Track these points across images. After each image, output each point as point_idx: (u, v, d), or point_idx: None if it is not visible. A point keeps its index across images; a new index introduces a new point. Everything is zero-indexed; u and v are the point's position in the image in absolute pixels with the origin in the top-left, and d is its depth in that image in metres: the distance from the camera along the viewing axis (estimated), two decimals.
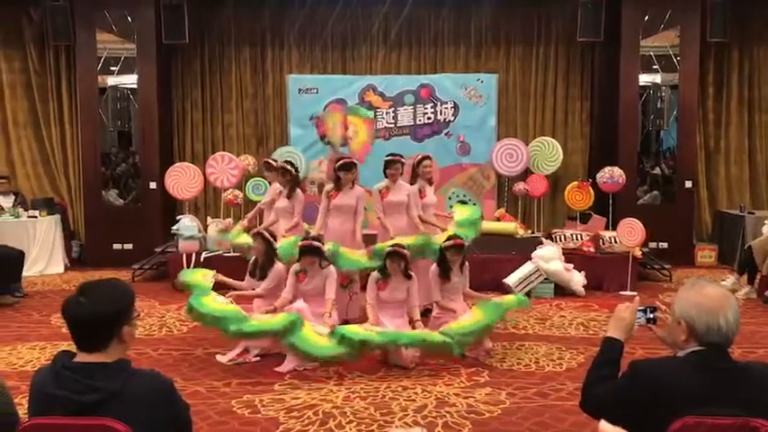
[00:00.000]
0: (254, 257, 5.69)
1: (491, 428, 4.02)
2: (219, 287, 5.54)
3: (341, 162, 6.16)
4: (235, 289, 5.61)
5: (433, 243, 5.87)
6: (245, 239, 6.16)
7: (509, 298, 5.72)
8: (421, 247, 5.88)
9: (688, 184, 9.44)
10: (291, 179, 6.31)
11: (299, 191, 6.38)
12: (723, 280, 7.68)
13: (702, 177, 10.04)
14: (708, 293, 2.14)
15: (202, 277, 5.54)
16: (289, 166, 6.39)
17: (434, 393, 4.55)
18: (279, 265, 5.54)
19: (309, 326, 5.04)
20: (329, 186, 6.24)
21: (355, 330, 4.97)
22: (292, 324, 4.93)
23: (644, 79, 9.50)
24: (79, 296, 2.09)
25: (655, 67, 9.52)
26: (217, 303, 5.18)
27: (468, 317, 5.26)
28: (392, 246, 5.39)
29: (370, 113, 7.44)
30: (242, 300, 5.44)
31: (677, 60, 9.36)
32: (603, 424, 0.66)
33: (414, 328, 5.31)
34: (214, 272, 5.62)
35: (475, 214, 6.59)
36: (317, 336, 4.97)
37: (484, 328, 5.17)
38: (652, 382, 2.08)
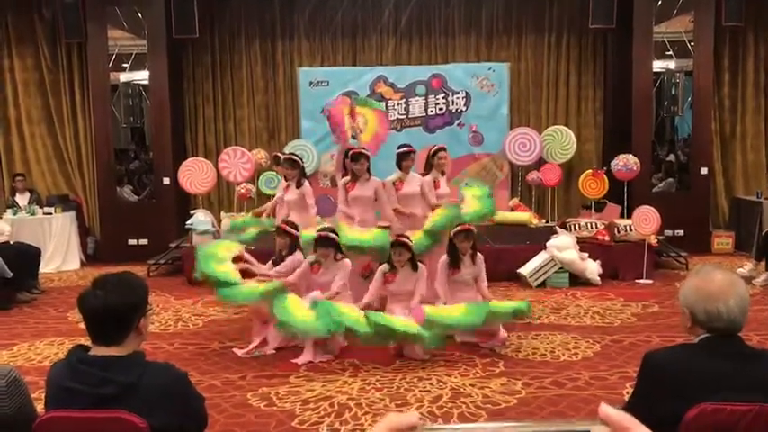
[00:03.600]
0: (278, 250, 5.62)
1: (507, 418, 4.00)
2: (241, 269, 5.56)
3: (351, 153, 6.14)
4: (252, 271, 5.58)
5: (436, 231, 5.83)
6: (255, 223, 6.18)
7: (505, 305, 5.46)
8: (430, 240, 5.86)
9: (703, 170, 9.34)
10: (298, 170, 6.26)
11: (306, 181, 6.33)
12: (740, 267, 7.61)
13: (718, 164, 9.94)
14: (710, 279, 2.11)
15: (226, 251, 5.51)
16: (295, 157, 6.36)
17: (450, 384, 4.54)
18: (299, 254, 5.53)
19: (296, 299, 5.08)
20: (346, 178, 6.21)
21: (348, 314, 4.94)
22: (277, 291, 4.99)
23: (658, 66, 9.39)
24: (95, 289, 2.10)
25: (668, 53, 9.41)
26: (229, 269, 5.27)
27: (452, 308, 5.21)
28: (396, 237, 5.39)
29: (380, 104, 7.36)
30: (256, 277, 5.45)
31: (691, 46, 9.25)
32: (604, 406, 0.65)
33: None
34: (242, 248, 5.62)
35: (483, 194, 6.50)
36: (300, 309, 4.98)
37: (458, 326, 5.11)
38: (665, 371, 2.06)
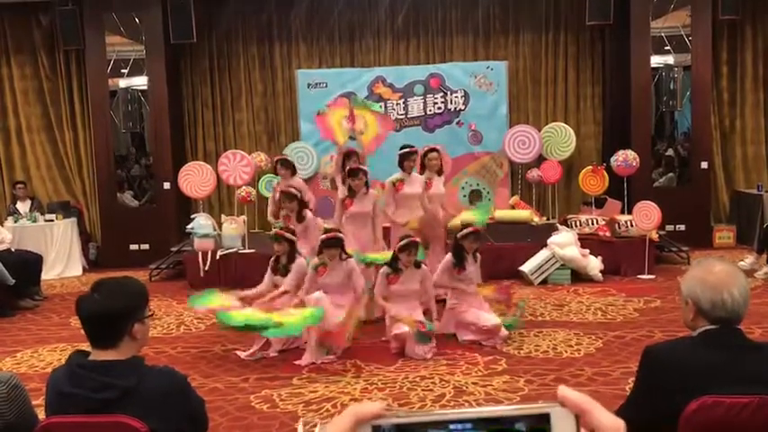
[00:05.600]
0: (275, 255, 5.61)
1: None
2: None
3: (347, 168, 6.11)
4: (255, 299, 5.49)
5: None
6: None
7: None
8: None
9: (704, 164, 9.33)
10: (296, 202, 6.01)
11: (308, 212, 6.12)
12: (742, 260, 7.59)
13: (718, 158, 9.92)
14: (712, 270, 2.11)
15: (221, 301, 5.42)
16: (292, 190, 6.13)
17: (452, 382, 4.54)
18: (300, 260, 5.54)
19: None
20: (343, 193, 6.11)
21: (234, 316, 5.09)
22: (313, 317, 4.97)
23: (656, 61, 9.38)
24: (92, 293, 2.12)
25: (666, 48, 9.40)
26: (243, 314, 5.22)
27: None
28: (406, 237, 5.39)
29: (377, 106, 7.32)
30: (268, 304, 5.40)
31: (689, 40, 9.24)
32: (562, 388, 0.66)
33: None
34: (233, 298, 5.49)
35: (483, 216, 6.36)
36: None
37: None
38: (665, 365, 2.06)
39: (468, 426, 0.64)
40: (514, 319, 5.55)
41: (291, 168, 6.86)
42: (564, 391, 0.65)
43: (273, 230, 5.68)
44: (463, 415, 0.64)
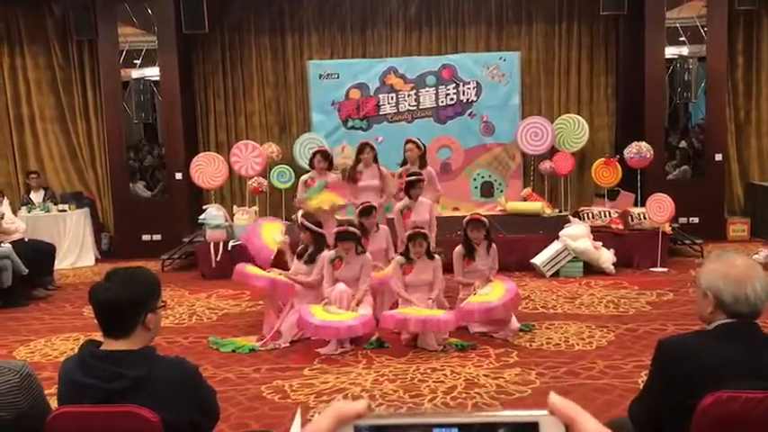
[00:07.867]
0: (303, 244, 5.66)
1: (521, 409, 3.98)
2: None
3: (359, 209, 6.00)
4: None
5: None
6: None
7: None
8: None
9: (718, 157, 9.24)
10: (315, 238, 5.57)
11: (323, 256, 5.52)
12: (756, 253, 7.52)
13: (733, 150, 9.82)
14: (734, 264, 2.09)
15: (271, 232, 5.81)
16: (310, 225, 5.54)
17: (463, 375, 4.53)
18: (326, 253, 5.58)
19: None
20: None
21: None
22: None
23: (670, 52, 9.29)
24: (106, 282, 2.12)
25: (681, 38, 9.30)
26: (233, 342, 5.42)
27: (488, 289, 5.29)
28: (413, 228, 5.40)
29: (321, 186, 6.98)
30: (291, 286, 5.50)
31: (704, 31, 9.14)
32: (552, 396, 0.65)
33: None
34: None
35: None
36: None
37: None
38: (679, 359, 2.04)
39: (454, 430, 0.62)
40: (526, 325, 5.53)
41: (330, 161, 6.76)
42: (553, 398, 0.64)
43: (299, 220, 5.67)
44: (448, 418, 0.62)
